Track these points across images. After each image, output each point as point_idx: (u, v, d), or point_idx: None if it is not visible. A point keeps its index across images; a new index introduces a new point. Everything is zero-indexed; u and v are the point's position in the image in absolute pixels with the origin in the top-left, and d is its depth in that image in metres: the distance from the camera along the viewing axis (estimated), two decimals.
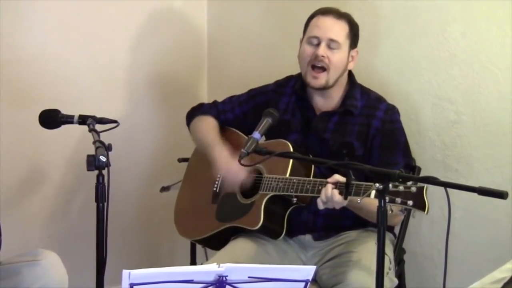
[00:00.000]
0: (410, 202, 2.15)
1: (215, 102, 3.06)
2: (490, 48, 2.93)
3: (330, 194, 2.41)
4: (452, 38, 3.01)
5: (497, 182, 2.88)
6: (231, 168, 2.77)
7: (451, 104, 3.03)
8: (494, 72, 2.91)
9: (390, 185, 2.16)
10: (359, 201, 2.30)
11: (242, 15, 3.73)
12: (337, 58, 2.73)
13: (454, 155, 3.04)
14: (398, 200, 2.16)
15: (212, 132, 2.95)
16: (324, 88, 2.75)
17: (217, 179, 2.93)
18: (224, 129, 3.00)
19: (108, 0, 3.47)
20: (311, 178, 2.60)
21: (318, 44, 2.73)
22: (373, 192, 2.28)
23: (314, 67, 2.73)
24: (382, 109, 2.77)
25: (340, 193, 2.39)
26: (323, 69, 2.72)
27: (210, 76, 3.89)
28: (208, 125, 2.99)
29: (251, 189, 2.78)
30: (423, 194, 2.15)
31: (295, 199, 2.63)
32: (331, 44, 2.72)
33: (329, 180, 2.44)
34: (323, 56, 2.71)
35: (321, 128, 2.78)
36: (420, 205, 2.16)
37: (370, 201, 2.34)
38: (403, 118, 2.86)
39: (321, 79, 2.73)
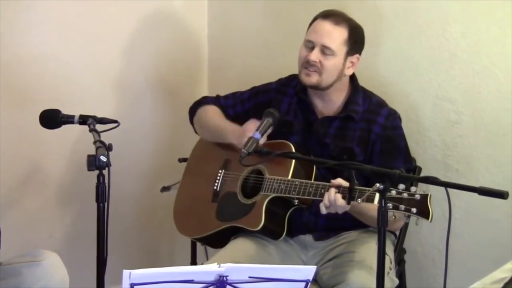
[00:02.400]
0: (414, 210, 2.16)
1: (217, 97, 3.07)
2: (490, 48, 2.93)
3: (333, 198, 2.41)
4: (452, 38, 3.01)
5: (498, 182, 2.88)
6: (247, 134, 2.69)
7: (452, 104, 3.03)
8: (494, 72, 2.91)
9: (394, 192, 2.16)
10: (359, 202, 2.30)
11: (242, 15, 3.73)
12: (330, 64, 2.72)
13: (454, 155, 3.04)
14: (402, 207, 2.16)
15: (219, 116, 2.96)
16: (317, 88, 2.75)
17: (218, 177, 2.93)
18: None
19: (108, 0, 3.47)
20: (313, 180, 2.60)
21: (313, 48, 2.73)
22: (377, 197, 2.27)
23: (306, 68, 2.73)
24: (383, 115, 2.77)
25: (343, 198, 2.40)
26: (315, 71, 2.72)
27: (210, 76, 3.89)
28: (214, 111, 2.99)
29: (252, 189, 2.79)
30: (427, 201, 2.15)
31: (296, 201, 2.63)
32: (325, 50, 2.71)
33: (333, 182, 2.44)
34: (314, 61, 2.71)
35: (322, 133, 2.78)
36: (424, 213, 2.16)
37: (372, 207, 2.34)
38: (403, 118, 2.86)
39: (313, 77, 2.73)
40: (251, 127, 2.72)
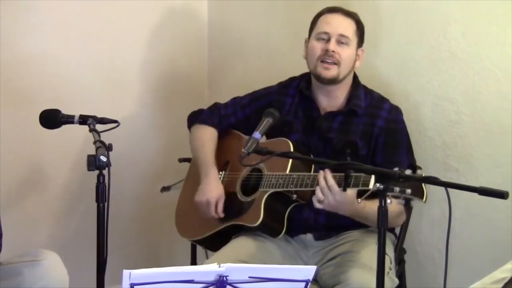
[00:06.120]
0: (408, 191, 2.16)
1: (217, 106, 3.05)
2: (490, 48, 2.93)
3: (325, 182, 2.42)
4: (452, 38, 3.01)
5: (498, 182, 2.88)
6: (210, 197, 2.83)
7: (452, 104, 3.03)
8: (494, 72, 2.91)
9: None
10: (359, 201, 2.30)
11: (242, 15, 3.73)
12: (347, 54, 2.74)
13: (454, 155, 3.04)
14: (397, 189, 2.16)
15: (206, 146, 2.96)
16: (335, 81, 2.75)
17: (218, 178, 2.93)
18: (226, 131, 3.00)
19: (108, 0, 3.48)
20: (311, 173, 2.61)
21: (328, 40, 2.74)
22: (371, 184, 2.29)
23: (324, 62, 2.73)
24: (386, 109, 2.78)
25: (339, 185, 2.41)
26: (334, 63, 2.73)
27: (210, 76, 3.89)
28: (204, 136, 2.99)
29: (252, 187, 2.79)
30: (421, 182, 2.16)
31: (295, 196, 2.63)
32: (342, 39, 2.73)
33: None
34: (333, 51, 2.71)
35: (325, 128, 2.79)
36: (419, 193, 2.16)
37: (374, 207, 2.37)
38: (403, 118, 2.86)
39: (333, 70, 2.73)
40: (214, 194, 2.81)
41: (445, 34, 3.03)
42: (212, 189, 2.85)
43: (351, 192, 2.43)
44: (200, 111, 3.09)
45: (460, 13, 2.99)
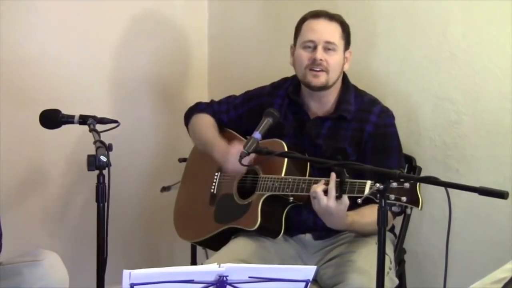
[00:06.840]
0: (404, 198, 2.16)
1: (211, 102, 3.06)
2: (490, 48, 2.93)
3: (314, 190, 2.42)
4: (452, 38, 3.01)
5: (498, 182, 2.87)
6: (231, 155, 2.74)
7: (452, 104, 3.03)
8: (494, 72, 2.91)
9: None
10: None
11: (242, 15, 3.73)
12: (335, 60, 2.72)
13: (454, 155, 3.04)
14: (392, 196, 2.17)
15: (210, 129, 2.95)
16: (324, 88, 2.74)
17: (214, 180, 2.93)
18: (221, 132, 3.00)
19: (108, 0, 3.47)
20: (306, 177, 2.60)
21: (315, 48, 2.72)
22: (367, 187, 2.29)
23: (312, 70, 2.72)
24: (375, 113, 2.76)
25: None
26: (322, 70, 2.71)
27: (210, 76, 3.89)
28: (206, 122, 2.99)
29: (249, 189, 2.79)
30: (416, 189, 2.16)
31: (291, 198, 2.64)
32: (328, 46, 2.71)
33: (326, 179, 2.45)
34: (321, 60, 2.69)
35: (314, 133, 2.77)
36: (414, 200, 2.17)
37: (361, 217, 2.47)
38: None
39: (321, 77, 2.71)
40: (235, 150, 2.71)
41: (445, 34, 3.03)
42: (224, 149, 2.81)
43: (342, 207, 2.43)
44: (197, 103, 3.09)
45: (460, 13, 2.99)
